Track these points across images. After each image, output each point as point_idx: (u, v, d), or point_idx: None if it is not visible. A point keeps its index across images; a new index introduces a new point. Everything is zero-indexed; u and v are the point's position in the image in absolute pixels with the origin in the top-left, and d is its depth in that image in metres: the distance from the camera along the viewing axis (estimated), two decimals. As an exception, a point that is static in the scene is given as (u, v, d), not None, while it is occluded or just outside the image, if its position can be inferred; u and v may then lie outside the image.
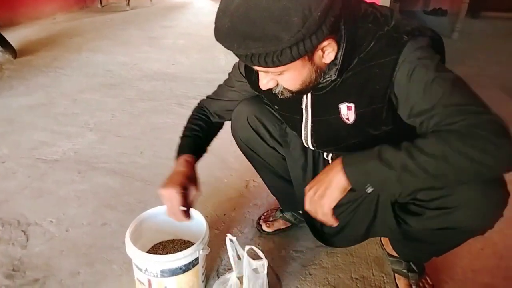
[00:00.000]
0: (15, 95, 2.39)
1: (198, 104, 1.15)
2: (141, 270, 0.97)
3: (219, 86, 1.13)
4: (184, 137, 1.06)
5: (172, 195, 0.91)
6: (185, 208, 0.93)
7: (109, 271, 1.16)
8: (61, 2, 4.67)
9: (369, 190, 0.77)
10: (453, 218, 0.84)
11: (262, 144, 1.12)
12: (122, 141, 1.90)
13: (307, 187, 0.85)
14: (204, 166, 1.68)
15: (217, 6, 0.71)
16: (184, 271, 0.98)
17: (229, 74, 1.09)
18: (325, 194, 0.80)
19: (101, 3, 5.11)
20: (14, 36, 3.31)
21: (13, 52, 2.98)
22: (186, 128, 1.08)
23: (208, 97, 1.14)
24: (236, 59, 0.87)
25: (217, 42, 0.71)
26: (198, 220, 1.08)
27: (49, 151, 1.79)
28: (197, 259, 0.99)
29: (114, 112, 2.21)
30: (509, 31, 4.53)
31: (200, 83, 2.68)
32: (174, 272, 0.97)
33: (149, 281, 0.98)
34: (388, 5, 2.62)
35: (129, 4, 5.00)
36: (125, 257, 1.20)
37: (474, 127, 0.67)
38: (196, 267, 1.00)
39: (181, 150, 1.03)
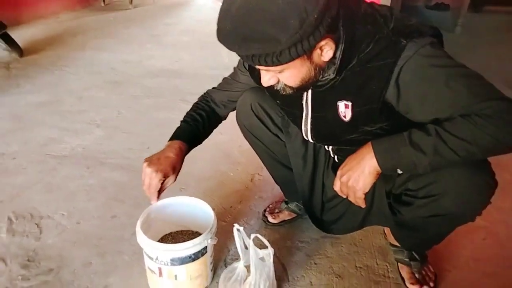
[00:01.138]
0: (23, 93, 2.42)
1: (204, 94, 1.19)
2: (151, 259, 1.01)
3: (224, 78, 1.17)
4: (185, 123, 1.10)
5: (153, 178, 0.98)
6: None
7: (120, 261, 1.20)
8: (65, 1, 4.70)
9: (399, 172, 0.82)
10: (440, 205, 0.87)
11: (265, 130, 1.15)
12: (129, 137, 1.94)
13: (339, 173, 0.90)
14: (210, 160, 1.73)
15: (218, 3, 0.74)
16: (193, 260, 1.01)
17: (234, 68, 1.13)
18: (359, 180, 0.85)
19: (104, 2, 5.14)
20: (19, 35, 3.34)
21: (19, 51, 3.01)
22: (189, 115, 1.12)
23: (214, 88, 1.18)
24: None
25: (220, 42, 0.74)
26: (206, 211, 1.11)
27: (58, 147, 1.82)
28: (205, 248, 1.02)
29: (120, 108, 2.24)
30: (511, 25, 4.53)
31: (203, 79, 2.71)
32: (184, 261, 1.00)
33: (159, 269, 1.01)
34: (389, 1, 2.65)
35: (131, 3, 5.02)
36: (135, 248, 1.24)
37: (500, 112, 0.72)
38: (204, 256, 1.04)
39: (178, 135, 1.08)
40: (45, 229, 1.32)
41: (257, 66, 0.78)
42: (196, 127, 1.09)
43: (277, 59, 0.71)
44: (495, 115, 0.72)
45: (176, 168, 1.02)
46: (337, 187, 0.92)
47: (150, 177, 0.98)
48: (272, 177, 1.34)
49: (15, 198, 1.47)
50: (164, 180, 1.00)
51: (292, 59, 0.72)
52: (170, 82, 2.66)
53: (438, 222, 0.93)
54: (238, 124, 1.19)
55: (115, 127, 2.03)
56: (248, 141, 1.23)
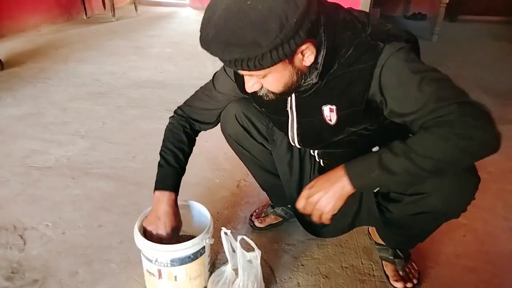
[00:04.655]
0: (4, 106, 2.39)
1: (178, 115, 1.13)
2: (151, 261, 1.01)
3: (201, 95, 1.12)
4: (167, 165, 1.06)
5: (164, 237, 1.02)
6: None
7: (108, 270, 1.19)
8: (45, 14, 4.67)
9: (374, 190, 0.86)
10: (428, 203, 0.91)
11: (250, 140, 1.16)
12: (114, 147, 1.93)
13: (306, 193, 0.91)
14: (197, 167, 1.74)
15: (201, 16, 0.76)
16: (193, 260, 1.03)
17: (213, 82, 1.10)
18: (330, 202, 0.86)
19: (86, 15, 5.12)
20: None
21: (0, 64, 2.98)
22: (169, 151, 1.07)
23: (188, 104, 1.13)
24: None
25: (203, 50, 0.76)
26: (202, 213, 1.13)
27: (42, 158, 1.80)
28: (203, 248, 1.04)
29: (104, 119, 2.24)
30: (485, 33, 4.70)
31: (188, 89, 2.71)
32: (183, 261, 1.01)
33: (159, 271, 1.02)
34: (367, 10, 2.73)
35: (114, 15, 5.01)
36: (123, 256, 1.24)
37: (464, 116, 0.73)
38: (203, 255, 1.06)
39: (164, 184, 1.05)
40: (29, 241, 1.30)
41: (240, 71, 0.80)
42: (181, 168, 1.08)
43: (259, 63, 0.73)
44: (457, 120, 0.73)
45: (179, 220, 1.07)
46: (301, 205, 0.93)
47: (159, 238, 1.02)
48: (259, 184, 1.36)
49: (-2, 211, 1.45)
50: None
51: (274, 63, 0.74)
52: (155, 93, 2.66)
53: (425, 219, 0.96)
54: (223, 134, 1.19)
55: (99, 137, 2.02)
56: (233, 150, 1.24)
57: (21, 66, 3.14)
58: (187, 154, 1.11)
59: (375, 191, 0.86)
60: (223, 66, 1.07)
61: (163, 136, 1.12)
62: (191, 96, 1.15)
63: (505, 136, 0.75)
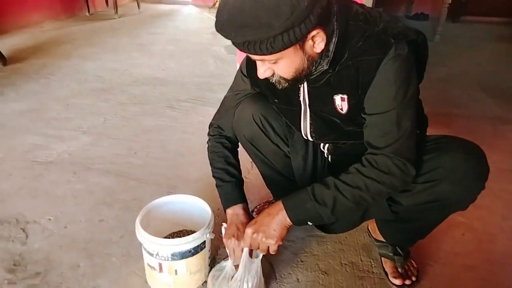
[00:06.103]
0: (6, 101, 2.40)
1: (212, 136, 1.19)
2: (152, 254, 1.03)
3: (223, 104, 1.19)
4: (224, 182, 1.13)
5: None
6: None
7: (109, 263, 1.20)
8: (48, 10, 4.68)
9: (310, 223, 0.95)
10: (440, 190, 0.91)
11: (266, 140, 1.15)
12: (116, 143, 1.94)
13: (249, 230, 0.97)
14: (198, 163, 1.74)
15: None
16: (193, 254, 1.04)
17: (231, 87, 1.16)
18: (275, 235, 0.95)
19: (89, 12, 5.13)
20: (2, 44, 3.31)
21: (3, 59, 2.99)
22: (220, 170, 1.14)
23: (216, 119, 1.20)
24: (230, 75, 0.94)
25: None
26: (203, 208, 1.14)
27: (44, 153, 1.82)
28: (204, 242, 1.06)
29: (106, 115, 2.25)
30: (487, 34, 4.71)
31: (190, 87, 2.74)
32: (184, 255, 1.03)
33: (160, 265, 1.03)
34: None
35: (117, 12, 5.02)
36: (124, 250, 1.25)
37: (390, 159, 0.87)
38: (203, 250, 1.07)
39: (230, 199, 1.12)
40: (31, 234, 1.31)
41: (253, 56, 0.82)
42: (239, 180, 1.14)
43: (271, 46, 0.75)
44: (381, 163, 0.87)
45: None
46: (247, 243, 0.98)
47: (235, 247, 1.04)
48: (265, 181, 1.34)
49: (0, 204, 1.46)
50: None
51: (285, 46, 0.76)
52: (157, 90, 2.67)
53: (433, 209, 0.97)
54: (237, 134, 1.17)
55: (101, 133, 2.03)
56: (245, 149, 1.22)
57: (24, 62, 3.16)
58: (236, 165, 1.16)
59: (311, 224, 0.95)
60: (238, 69, 1.11)
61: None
62: (216, 113, 1.22)
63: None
